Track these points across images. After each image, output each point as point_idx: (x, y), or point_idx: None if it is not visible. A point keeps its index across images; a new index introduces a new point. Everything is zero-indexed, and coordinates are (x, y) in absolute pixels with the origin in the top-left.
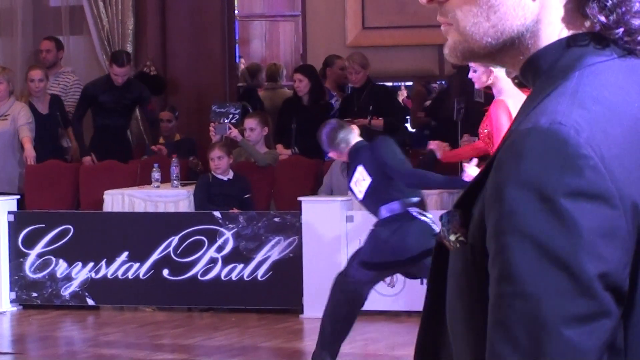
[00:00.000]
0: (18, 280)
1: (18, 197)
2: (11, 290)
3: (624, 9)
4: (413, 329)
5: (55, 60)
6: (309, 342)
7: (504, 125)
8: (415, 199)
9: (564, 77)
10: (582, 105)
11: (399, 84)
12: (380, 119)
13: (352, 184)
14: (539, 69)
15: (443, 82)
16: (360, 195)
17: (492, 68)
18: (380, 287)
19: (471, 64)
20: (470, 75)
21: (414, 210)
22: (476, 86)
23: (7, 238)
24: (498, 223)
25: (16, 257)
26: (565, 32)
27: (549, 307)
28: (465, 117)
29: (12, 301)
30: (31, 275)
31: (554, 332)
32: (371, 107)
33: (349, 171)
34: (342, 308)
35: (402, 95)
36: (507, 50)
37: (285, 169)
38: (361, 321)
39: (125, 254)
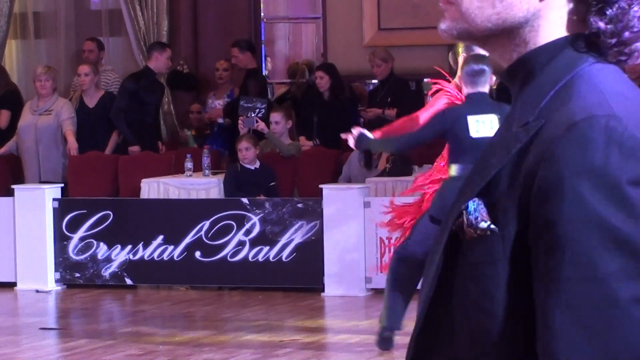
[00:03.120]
0: (62, 262)
1: (62, 185)
2: (56, 270)
3: (621, 24)
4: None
5: (97, 59)
6: (330, 318)
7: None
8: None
9: (568, 73)
10: (613, 98)
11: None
12: (394, 109)
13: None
14: (538, 64)
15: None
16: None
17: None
18: None
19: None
20: None
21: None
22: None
23: (52, 223)
24: (563, 211)
25: (60, 240)
26: (563, 32)
27: (619, 289)
28: None
29: (56, 281)
30: (74, 257)
31: (624, 313)
32: (389, 98)
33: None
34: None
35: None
36: (503, 38)
37: (308, 159)
38: (377, 298)
39: (161, 237)
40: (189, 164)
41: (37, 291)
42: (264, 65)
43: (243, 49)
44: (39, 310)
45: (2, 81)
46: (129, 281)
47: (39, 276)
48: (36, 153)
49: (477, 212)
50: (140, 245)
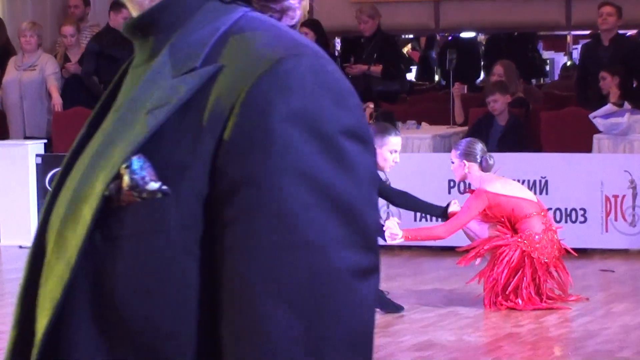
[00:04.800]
0: None
1: (45, 141)
2: None
3: None
4: (406, 261)
5: (82, 15)
6: None
7: (471, 215)
8: None
9: (228, 18)
10: (305, 39)
11: (409, 36)
12: (379, 65)
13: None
14: (187, 9)
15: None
16: None
17: (464, 160)
18: None
19: (451, 157)
20: (452, 168)
21: None
22: (457, 179)
23: (35, 179)
24: (270, 163)
25: (43, 196)
26: None
27: (334, 258)
28: (456, 67)
29: None
30: None
31: (339, 285)
32: (375, 55)
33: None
34: None
35: (408, 47)
36: None
37: None
38: None
39: None
40: None
41: (20, 247)
42: None
43: None
44: (22, 266)
45: None
46: None
47: (22, 232)
48: (21, 108)
49: (144, 171)
50: None
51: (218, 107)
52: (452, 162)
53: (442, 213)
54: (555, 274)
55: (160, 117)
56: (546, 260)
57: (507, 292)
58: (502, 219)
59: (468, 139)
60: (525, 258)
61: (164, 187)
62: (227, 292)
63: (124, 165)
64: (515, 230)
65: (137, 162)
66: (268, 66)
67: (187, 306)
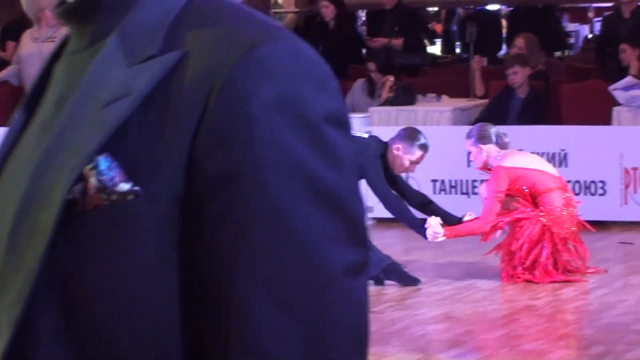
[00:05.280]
0: None
1: None
2: None
3: None
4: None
5: None
6: None
7: (498, 196)
8: None
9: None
10: (274, 21)
11: (434, 9)
12: (400, 39)
13: None
14: None
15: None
16: None
17: (480, 145)
18: None
19: (467, 147)
20: (471, 158)
21: None
22: (478, 166)
23: None
24: (255, 156)
25: None
26: None
27: (328, 256)
28: (477, 40)
29: None
30: None
31: (335, 285)
32: (396, 28)
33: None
34: None
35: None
36: None
37: None
38: (379, 227)
39: None
40: None
41: None
42: None
43: None
44: None
45: (11, 8)
46: None
47: None
48: None
49: (113, 172)
50: None
51: (189, 98)
52: (470, 152)
53: (457, 223)
54: (572, 248)
55: (122, 110)
56: (565, 235)
57: (525, 266)
58: (525, 191)
59: (478, 124)
60: (546, 232)
61: (136, 188)
62: (214, 296)
63: (88, 166)
64: (535, 204)
65: (104, 162)
66: (244, 52)
67: (166, 312)
